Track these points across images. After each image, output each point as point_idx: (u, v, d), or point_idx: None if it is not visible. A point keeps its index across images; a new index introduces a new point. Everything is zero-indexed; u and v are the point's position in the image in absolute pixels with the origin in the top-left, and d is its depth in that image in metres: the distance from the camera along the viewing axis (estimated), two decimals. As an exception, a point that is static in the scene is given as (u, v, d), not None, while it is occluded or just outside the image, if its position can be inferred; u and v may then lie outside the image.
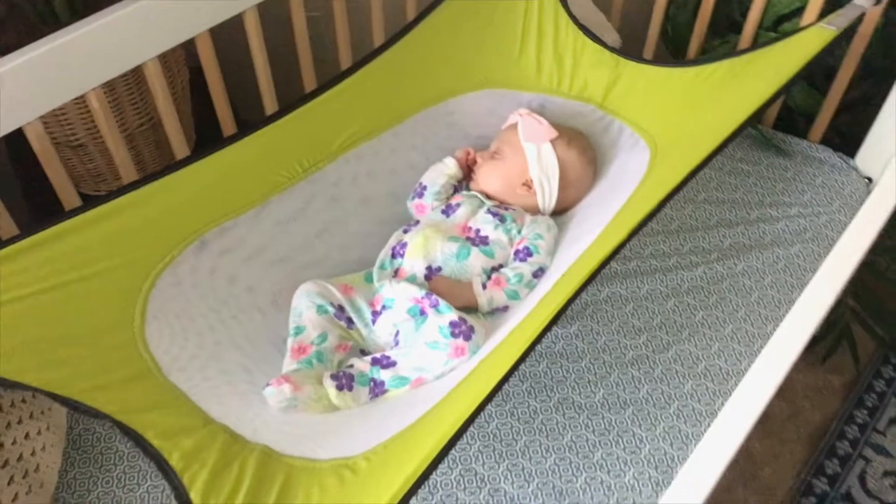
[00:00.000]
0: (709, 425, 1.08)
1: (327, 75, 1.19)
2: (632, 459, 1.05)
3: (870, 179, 1.41)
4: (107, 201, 0.93)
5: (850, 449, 1.61)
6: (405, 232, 1.12)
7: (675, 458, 1.05)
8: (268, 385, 0.89)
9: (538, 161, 1.14)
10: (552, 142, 1.15)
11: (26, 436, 0.94)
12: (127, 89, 1.37)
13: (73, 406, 0.76)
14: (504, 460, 1.04)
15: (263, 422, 0.85)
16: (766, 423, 1.64)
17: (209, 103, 1.23)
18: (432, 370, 0.93)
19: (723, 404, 1.10)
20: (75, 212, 0.90)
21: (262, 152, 1.06)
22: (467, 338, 0.93)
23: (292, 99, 1.11)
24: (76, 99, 1.00)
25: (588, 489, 1.02)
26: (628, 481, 1.03)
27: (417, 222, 1.14)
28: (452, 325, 0.94)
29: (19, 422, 0.94)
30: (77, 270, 0.89)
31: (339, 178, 1.14)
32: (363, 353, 1.02)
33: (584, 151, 1.18)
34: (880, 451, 1.59)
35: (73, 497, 1.02)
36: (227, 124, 1.25)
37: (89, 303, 0.87)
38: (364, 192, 1.16)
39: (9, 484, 0.90)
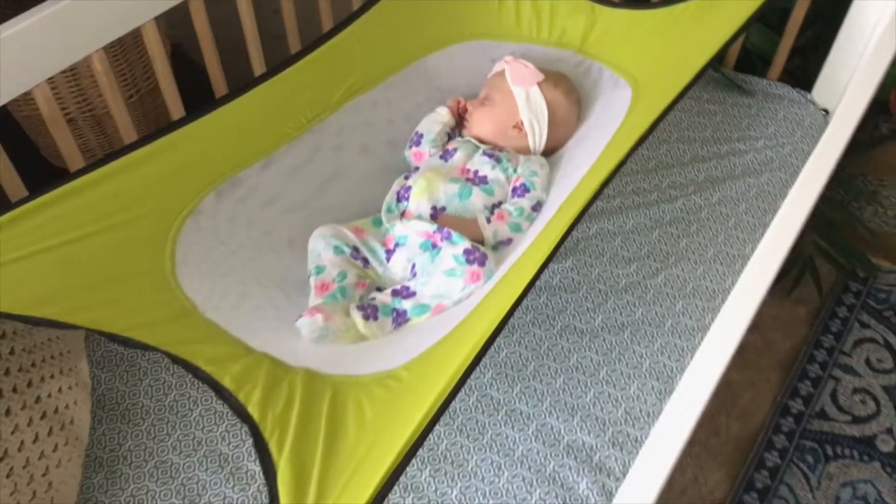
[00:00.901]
0: (701, 339, 1.16)
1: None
2: (634, 373, 1.12)
3: (826, 111, 1.51)
4: (122, 155, 0.96)
5: (821, 371, 1.72)
6: (406, 178, 1.18)
7: (674, 369, 1.13)
8: (301, 316, 0.94)
9: (527, 104, 1.20)
10: (539, 85, 1.22)
11: (59, 390, 0.97)
12: (115, 60, 1.38)
13: (123, 341, 0.80)
14: (517, 384, 1.11)
15: (301, 350, 0.90)
16: (742, 355, 1.75)
17: (188, 79, 1.25)
18: (451, 296, 0.98)
19: (712, 320, 1.19)
20: (98, 164, 0.93)
21: (268, 105, 1.10)
22: (482, 264, 0.99)
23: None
24: (66, 71, 1.02)
25: (597, 402, 1.09)
26: (633, 392, 1.10)
27: (417, 169, 1.20)
28: (466, 252, 0.99)
29: (52, 376, 0.96)
30: (105, 220, 0.92)
31: (341, 129, 1.19)
32: (379, 290, 1.07)
33: (570, 92, 1.24)
34: (848, 371, 1.71)
35: (105, 451, 1.05)
36: (220, 89, 1.27)
37: (121, 249, 0.90)
38: (364, 141, 1.21)
39: (49, 434, 0.93)
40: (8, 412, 0.87)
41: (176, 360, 0.79)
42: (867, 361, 1.74)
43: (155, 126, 1.50)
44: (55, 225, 0.88)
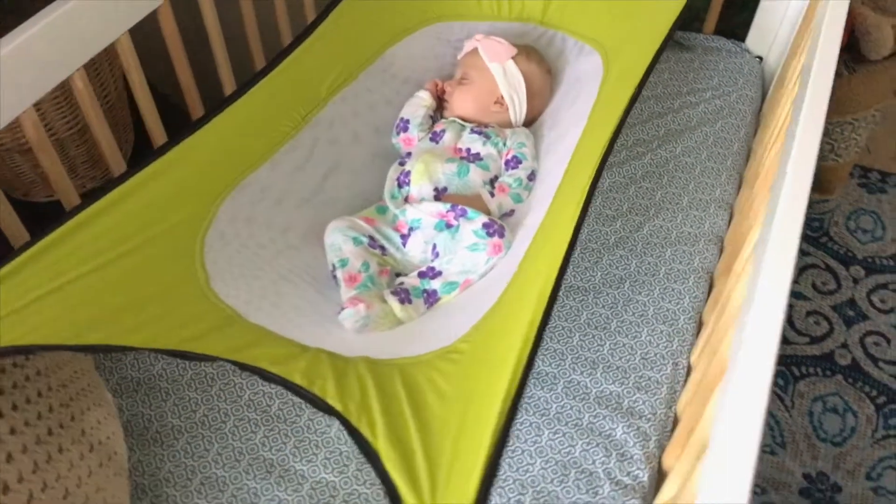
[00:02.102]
0: (695, 280, 1.25)
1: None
2: (642, 321, 1.19)
3: (761, 58, 1.62)
4: (133, 175, 0.94)
5: (774, 299, 1.85)
6: (402, 164, 1.20)
7: (675, 312, 1.21)
8: (343, 308, 0.95)
9: (505, 78, 1.24)
10: (514, 58, 1.26)
11: (98, 421, 0.94)
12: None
13: (181, 355, 0.79)
14: (536, 347, 1.15)
15: (349, 340, 0.91)
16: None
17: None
18: (476, 270, 1.02)
19: (700, 262, 1.28)
20: (111, 185, 0.91)
21: (263, 107, 1.10)
22: (501, 235, 1.03)
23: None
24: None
25: (615, 353, 1.15)
26: (645, 338, 1.17)
27: (409, 154, 1.22)
28: (485, 226, 1.03)
29: (88, 409, 0.93)
30: (130, 240, 0.90)
31: (332, 121, 1.20)
32: (399, 275, 1.09)
33: (542, 62, 1.29)
34: (799, 297, 1.85)
35: (146, 478, 1.03)
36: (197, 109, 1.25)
37: (153, 267, 0.89)
38: (354, 130, 1.23)
39: (100, 467, 0.90)
40: (61, 449, 0.84)
41: (243, 366, 0.79)
42: (813, 285, 1.89)
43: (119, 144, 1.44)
44: (81, 252, 0.86)
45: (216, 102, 1.08)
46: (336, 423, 1.06)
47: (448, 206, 1.07)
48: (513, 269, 0.96)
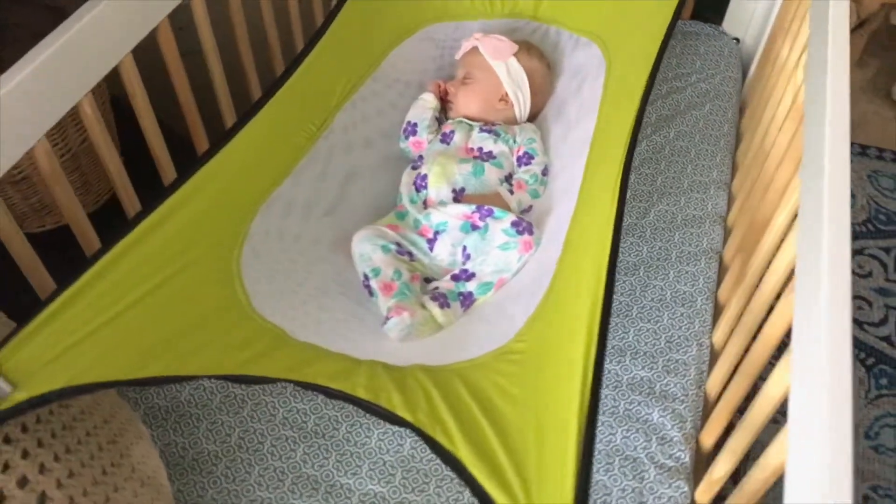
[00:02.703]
0: (706, 261, 1.27)
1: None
2: (661, 305, 1.21)
3: (738, 39, 1.66)
4: (161, 203, 0.92)
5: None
6: (415, 168, 1.19)
7: (692, 293, 1.23)
8: (388, 319, 0.94)
9: (509, 75, 1.25)
10: (516, 55, 1.26)
11: (143, 455, 0.91)
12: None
13: (242, 380, 0.78)
14: (563, 338, 1.16)
15: (396, 349, 0.91)
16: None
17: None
18: (510, 268, 1.02)
19: (708, 243, 1.30)
20: (138, 218, 0.89)
21: (279, 122, 1.09)
22: (531, 232, 1.03)
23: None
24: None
25: (640, 339, 1.17)
26: (667, 322, 1.19)
27: (420, 157, 1.21)
28: (514, 224, 1.03)
29: (132, 444, 0.90)
30: (167, 268, 0.88)
31: (345, 129, 1.19)
32: (428, 280, 1.08)
33: (542, 58, 1.30)
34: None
35: (190, 508, 1.00)
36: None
37: (195, 293, 0.87)
38: (365, 136, 1.23)
39: (153, 502, 0.87)
40: (116, 489, 0.81)
41: (305, 385, 0.78)
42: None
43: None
44: (120, 287, 0.84)
45: (240, 117, 1.06)
46: (376, 434, 1.05)
47: (473, 207, 1.07)
48: (549, 263, 0.96)
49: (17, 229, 0.92)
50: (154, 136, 1.11)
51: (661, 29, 1.12)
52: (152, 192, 1.20)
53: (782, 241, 0.95)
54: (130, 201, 1.10)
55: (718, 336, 1.17)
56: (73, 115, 1.25)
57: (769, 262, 0.98)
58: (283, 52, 1.42)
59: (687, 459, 1.04)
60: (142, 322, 0.81)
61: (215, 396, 1.09)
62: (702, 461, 1.09)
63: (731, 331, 1.12)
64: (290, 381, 0.78)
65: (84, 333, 0.78)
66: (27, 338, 0.75)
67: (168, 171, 1.16)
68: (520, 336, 0.86)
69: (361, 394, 0.78)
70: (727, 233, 1.34)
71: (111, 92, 1.42)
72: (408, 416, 0.76)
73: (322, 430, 1.07)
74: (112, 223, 1.12)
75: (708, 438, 1.07)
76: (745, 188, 1.30)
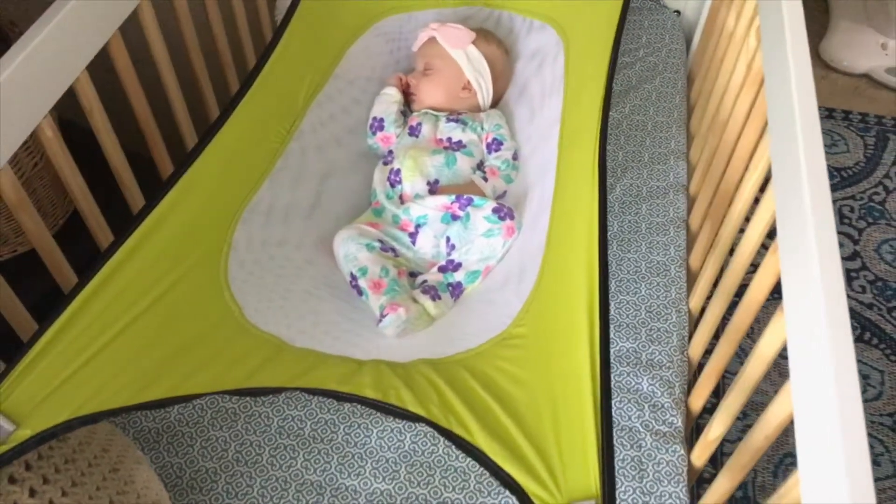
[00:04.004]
0: (674, 230, 1.31)
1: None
2: (637, 277, 1.24)
3: (678, 11, 1.70)
4: (140, 222, 0.89)
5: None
6: (386, 164, 1.19)
7: (665, 263, 1.26)
8: (383, 316, 0.94)
9: (469, 63, 1.25)
10: (474, 42, 1.27)
11: (146, 480, 0.89)
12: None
13: (251, 393, 0.77)
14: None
15: (395, 345, 0.91)
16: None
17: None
18: (495, 255, 1.03)
19: (674, 212, 1.34)
20: (122, 238, 0.86)
21: (249, 128, 1.07)
22: (512, 217, 1.04)
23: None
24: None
25: (621, 312, 1.20)
26: (645, 293, 1.22)
27: (390, 152, 1.21)
28: (495, 210, 1.04)
29: (133, 469, 0.88)
30: (155, 288, 0.86)
31: (314, 129, 1.18)
32: (412, 275, 1.08)
33: (500, 43, 1.31)
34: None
35: (194, 529, 0.99)
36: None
37: (186, 310, 0.85)
38: (334, 134, 1.22)
39: (158, 528, 0.85)
40: (126, 516, 0.79)
41: (313, 391, 0.77)
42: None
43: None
44: (110, 313, 0.82)
45: (202, 133, 1.04)
46: (375, 432, 1.05)
47: (452, 197, 1.07)
48: (534, 246, 0.98)
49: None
50: (114, 153, 1.07)
51: (615, 6, 1.14)
52: (111, 212, 1.17)
53: (754, 203, 0.98)
54: (97, 223, 1.06)
55: (694, 301, 1.20)
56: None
57: (741, 226, 1.02)
58: (234, 59, 1.39)
59: (680, 424, 1.07)
60: (137, 345, 0.79)
61: (206, 413, 1.07)
62: (690, 424, 1.13)
63: (707, 295, 1.16)
64: (298, 389, 0.77)
65: (81, 362, 0.76)
66: (23, 373, 0.73)
67: (131, 189, 1.12)
68: (518, 321, 0.87)
69: (369, 393, 0.78)
70: (690, 201, 1.37)
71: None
72: (420, 411, 0.76)
73: (320, 435, 1.06)
74: (71, 247, 1.09)
75: (696, 402, 1.10)
76: (704, 157, 1.34)
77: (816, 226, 0.73)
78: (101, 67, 1.06)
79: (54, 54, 0.93)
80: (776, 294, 0.82)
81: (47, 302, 1.03)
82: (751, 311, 0.94)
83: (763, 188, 0.98)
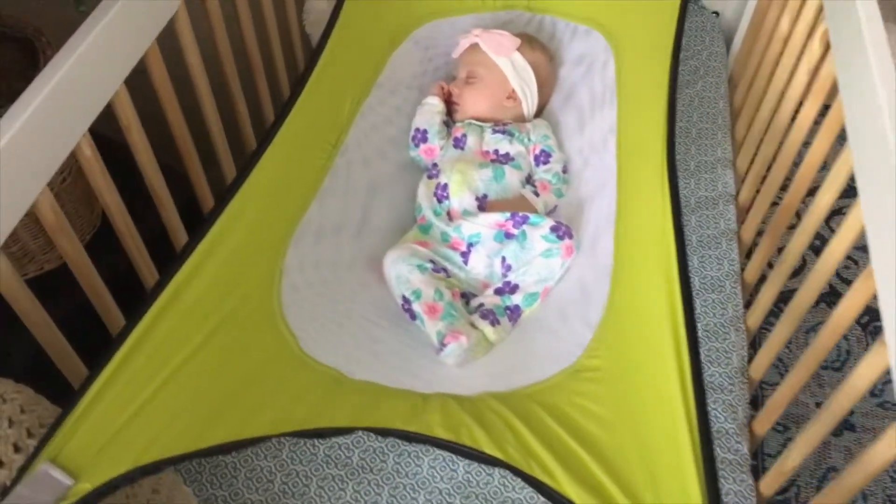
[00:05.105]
0: (726, 243, 1.25)
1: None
2: (692, 293, 1.19)
3: (717, 13, 1.65)
4: (188, 256, 0.85)
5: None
6: (431, 177, 1.14)
7: (719, 278, 1.20)
8: (444, 346, 0.89)
9: (514, 71, 1.20)
10: (518, 49, 1.21)
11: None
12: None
13: (317, 434, 0.72)
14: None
15: (458, 376, 0.86)
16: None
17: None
18: (553, 276, 0.98)
19: (725, 224, 1.28)
20: (172, 272, 0.81)
21: (296, 146, 1.04)
22: (571, 236, 0.99)
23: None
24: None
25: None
26: (700, 311, 1.15)
27: (435, 165, 1.16)
28: (553, 229, 0.99)
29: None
30: (208, 323, 0.82)
31: (359, 142, 1.14)
32: (464, 296, 1.03)
33: (545, 49, 1.26)
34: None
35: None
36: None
37: (240, 345, 0.81)
38: (376, 146, 1.18)
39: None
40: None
41: (378, 431, 0.72)
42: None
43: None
44: (165, 349, 0.77)
45: (256, 146, 0.99)
46: (426, 461, 1.00)
47: (507, 215, 1.02)
48: (600, 269, 0.93)
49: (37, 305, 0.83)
50: (153, 172, 1.02)
51: (668, 9, 1.08)
52: (144, 226, 1.12)
53: (828, 220, 0.93)
54: (134, 242, 1.01)
55: (753, 319, 1.15)
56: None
57: (810, 242, 0.97)
58: (264, 63, 1.34)
59: (745, 450, 1.02)
60: (194, 385, 0.75)
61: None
62: (753, 449, 1.08)
63: (765, 314, 1.11)
64: (366, 429, 0.72)
65: (136, 408, 0.71)
66: (76, 423, 0.68)
67: (168, 208, 1.07)
68: (591, 352, 0.82)
69: (441, 433, 0.73)
70: (740, 211, 1.32)
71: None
72: (497, 453, 0.71)
73: (369, 465, 1.01)
74: (98, 261, 1.04)
75: (761, 427, 1.05)
76: (756, 166, 1.29)
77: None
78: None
79: (92, 70, 0.87)
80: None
81: (73, 319, 0.98)
82: (836, 335, 0.89)
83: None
